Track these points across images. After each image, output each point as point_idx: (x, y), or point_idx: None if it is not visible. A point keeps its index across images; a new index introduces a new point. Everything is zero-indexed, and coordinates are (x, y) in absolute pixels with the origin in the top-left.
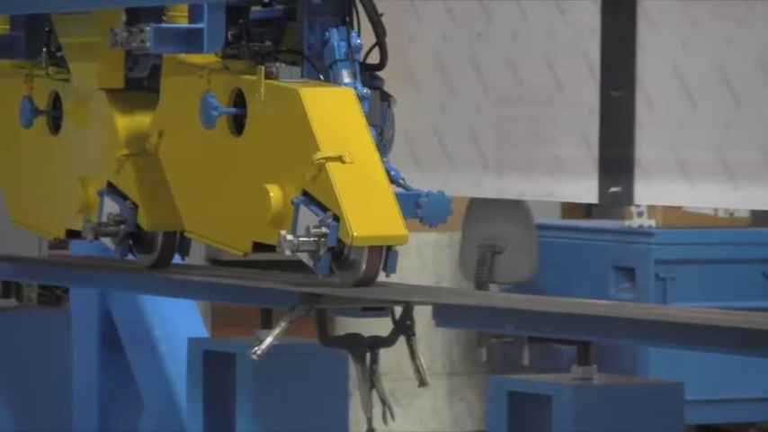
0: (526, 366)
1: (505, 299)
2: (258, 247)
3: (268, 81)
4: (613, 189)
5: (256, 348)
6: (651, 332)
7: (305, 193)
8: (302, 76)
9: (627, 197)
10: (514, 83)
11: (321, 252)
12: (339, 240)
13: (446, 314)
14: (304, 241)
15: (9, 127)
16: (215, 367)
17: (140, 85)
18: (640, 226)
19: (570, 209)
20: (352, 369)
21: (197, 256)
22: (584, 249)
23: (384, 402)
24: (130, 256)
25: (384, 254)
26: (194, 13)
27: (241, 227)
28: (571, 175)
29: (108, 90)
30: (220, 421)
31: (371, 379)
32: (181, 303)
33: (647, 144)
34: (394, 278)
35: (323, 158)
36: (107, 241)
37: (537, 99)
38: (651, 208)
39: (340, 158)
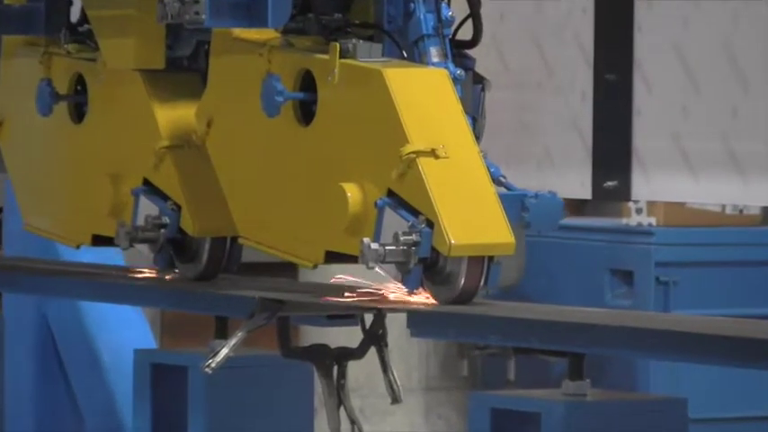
0: (512, 381)
1: (489, 306)
2: (332, 257)
3: (343, 60)
4: (608, 183)
5: (210, 361)
6: (651, 343)
7: (390, 194)
8: (383, 54)
9: (624, 192)
10: (500, 66)
11: (411, 264)
12: (433, 249)
13: (422, 322)
14: (391, 251)
15: (23, 115)
16: (164, 382)
17: (180, 66)
18: (639, 224)
19: None
20: (318, 384)
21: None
22: (577, 251)
23: (353, 421)
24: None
25: (486, 265)
26: None
27: (310, 233)
28: (561, 167)
29: (144, 71)
30: None
31: (339, 395)
32: (126, 311)
33: (646, 133)
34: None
35: (412, 152)
36: (144, 249)
37: (524, 84)
38: (651, 204)
39: (433, 152)
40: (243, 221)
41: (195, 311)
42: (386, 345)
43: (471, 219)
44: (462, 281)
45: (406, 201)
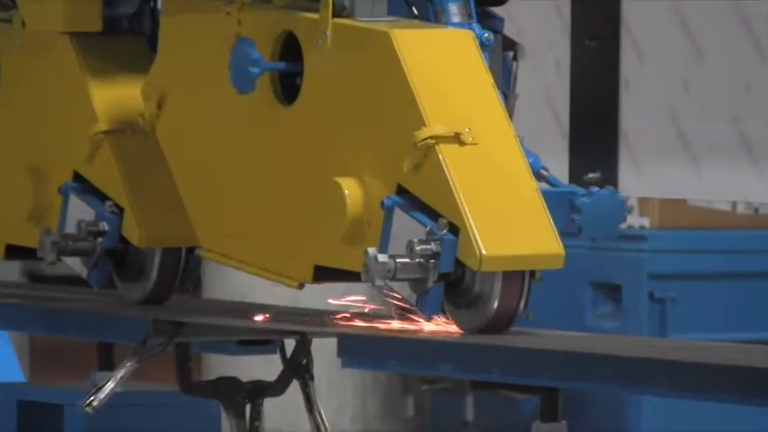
0: (469, 423)
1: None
2: (323, 274)
3: (338, 20)
4: (590, 175)
5: (92, 398)
6: (643, 375)
7: (401, 191)
8: (388, 12)
9: (609, 186)
10: None
11: (430, 282)
12: (458, 263)
13: (357, 349)
14: (404, 264)
15: None
16: (35, 423)
17: (121, 29)
18: (629, 227)
19: None
20: (226, 426)
21: (10, 268)
22: None
23: None
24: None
25: (526, 282)
26: None
27: (295, 244)
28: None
29: (75, 35)
30: None
31: None
32: None
33: (637, 112)
34: (285, 299)
35: (430, 137)
36: (75, 263)
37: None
38: (643, 202)
39: (457, 137)
40: (204, 229)
41: (72, 336)
42: (311, 377)
43: (507, 223)
44: (496, 303)
45: (421, 200)
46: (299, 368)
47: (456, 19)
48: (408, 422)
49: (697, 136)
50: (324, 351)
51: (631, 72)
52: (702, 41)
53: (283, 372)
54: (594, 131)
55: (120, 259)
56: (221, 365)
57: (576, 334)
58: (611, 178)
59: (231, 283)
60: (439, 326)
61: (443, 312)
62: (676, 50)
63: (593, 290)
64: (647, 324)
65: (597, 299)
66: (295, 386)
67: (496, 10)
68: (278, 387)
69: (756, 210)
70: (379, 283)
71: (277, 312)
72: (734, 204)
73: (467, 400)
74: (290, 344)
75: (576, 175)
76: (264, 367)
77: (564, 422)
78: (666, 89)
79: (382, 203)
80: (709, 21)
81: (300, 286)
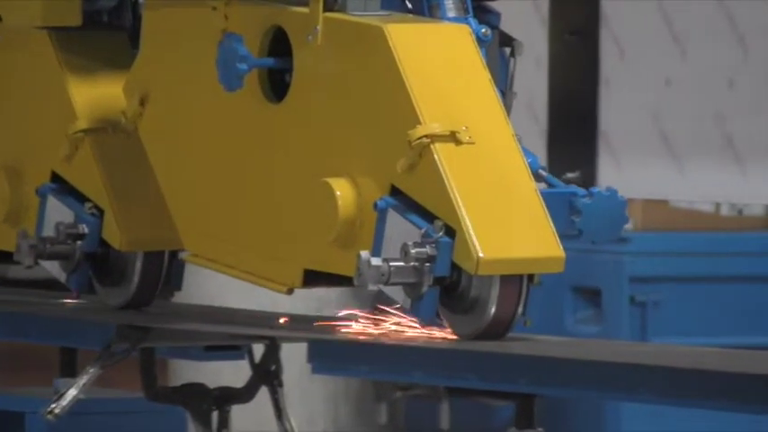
0: (445, 430)
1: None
2: (314, 278)
3: (329, 14)
4: (569, 175)
5: (54, 405)
6: (624, 381)
7: (395, 192)
8: (381, 6)
9: (588, 186)
10: None
11: (425, 286)
12: (454, 266)
13: (328, 355)
14: (398, 268)
15: None
16: None
17: (101, 23)
18: None
19: None
20: None
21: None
22: None
23: None
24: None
25: (525, 287)
26: None
27: (284, 247)
28: None
29: (55, 30)
30: None
31: None
32: None
33: (617, 109)
34: (252, 303)
35: (425, 136)
36: (53, 267)
37: None
38: None
39: (453, 136)
40: (189, 232)
41: (33, 341)
42: (280, 384)
43: (505, 225)
44: (493, 309)
45: (416, 201)
46: (267, 374)
47: (452, 13)
48: (381, 430)
49: (679, 135)
50: (295, 357)
51: (611, 68)
52: (686, 36)
53: (251, 378)
54: (574, 130)
55: (101, 263)
56: (189, 372)
57: (554, 339)
58: (590, 178)
59: (200, 286)
60: (431, 332)
61: (439, 318)
62: (659, 46)
63: (573, 294)
64: (629, 329)
65: (577, 303)
66: (264, 393)
67: (493, 5)
68: (246, 394)
69: (740, 211)
70: (372, 287)
71: (245, 316)
72: (717, 206)
73: (442, 407)
74: (258, 348)
75: (554, 174)
76: (234, 373)
77: (540, 429)
78: (648, 86)
79: (375, 205)
80: (694, 14)
81: (290, 291)
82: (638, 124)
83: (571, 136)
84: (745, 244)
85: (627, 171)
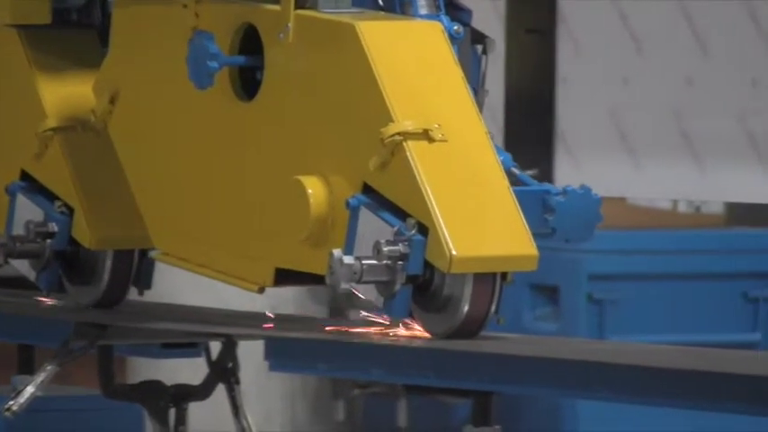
0: (402, 428)
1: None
2: (285, 277)
3: (300, 12)
4: (526, 172)
5: (12, 402)
6: (581, 379)
7: (367, 190)
8: (353, 3)
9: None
10: None
11: (397, 284)
12: (427, 265)
13: (285, 352)
14: (370, 266)
15: None
16: None
17: (70, 21)
18: None
19: None
20: (151, 431)
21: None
22: None
23: None
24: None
25: (498, 285)
26: None
27: (255, 246)
28: None
29: (23, 28)
30: None
31: None
32: None
33: (574, 106)
34: (211, 301)
35: (397, 134)
36: (23, 266)
37: None
38: None
39: (425, 134)
40: (159, 231)
41: None
42: (237, 381)
43: (478, 223)
44: (466, 307)
45: (388, 199)
46: (224, 372)
47: (424, 11)
48: (339, 427)
49: (637, 132)
50: (252, 355)
51: (568, 65)
52: (643, 34)
53: (208, 375)
54: (530, 127)
55: (71, 262)
56: (147, 369)
57: (512, 336)
58: (547, 176)
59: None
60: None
61: (412, 316)
62: (616, 42)
63: (531, 291)
64: (586, 327)
65: (535, 300)
66: (221, 390)
67: (464, 1)
68: (203, 391)
69: (698, 208)
70: (344, 286)
71: (203, 314)
72: (675, 203)
73: (399, 405)
74: (215, 346)
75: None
76: (193, 371)
77: (498, 426)
78: (605, 84)
79: (347, 203)
80: (652, 12)
81: (261, 290)
82: (596, 122)
83: (528, 134)
84: (702, 241)
85: (584, 169)
